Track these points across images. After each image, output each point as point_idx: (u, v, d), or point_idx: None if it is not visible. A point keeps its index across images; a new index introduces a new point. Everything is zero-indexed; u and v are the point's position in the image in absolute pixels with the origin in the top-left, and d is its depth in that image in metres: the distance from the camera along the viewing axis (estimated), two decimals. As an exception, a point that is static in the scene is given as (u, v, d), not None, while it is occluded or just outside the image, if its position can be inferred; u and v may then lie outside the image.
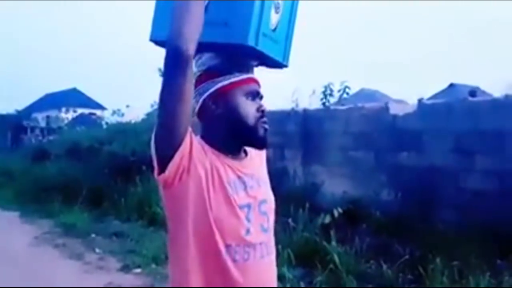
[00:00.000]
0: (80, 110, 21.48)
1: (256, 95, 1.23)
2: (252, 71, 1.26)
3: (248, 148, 1.29)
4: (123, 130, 9.15)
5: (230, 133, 1.21)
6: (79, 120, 17.03)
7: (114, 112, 12.99)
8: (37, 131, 16.01)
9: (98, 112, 19.88)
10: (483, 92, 9.94)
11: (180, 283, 1.20)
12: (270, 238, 1.26)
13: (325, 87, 6.19)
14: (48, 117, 17.90)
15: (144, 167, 7.01)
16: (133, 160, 7.39)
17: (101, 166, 7.94)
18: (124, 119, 11.80)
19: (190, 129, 1.15)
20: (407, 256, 3.78)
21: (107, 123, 12.13)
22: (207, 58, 1.22)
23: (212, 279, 1.16)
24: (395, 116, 5.02)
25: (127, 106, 12.96)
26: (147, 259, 4.74)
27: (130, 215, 6.45)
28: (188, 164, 1.13)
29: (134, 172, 7.03)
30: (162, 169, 1.14)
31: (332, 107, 6.01)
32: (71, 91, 32.18)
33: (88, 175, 7.82)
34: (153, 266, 4.60)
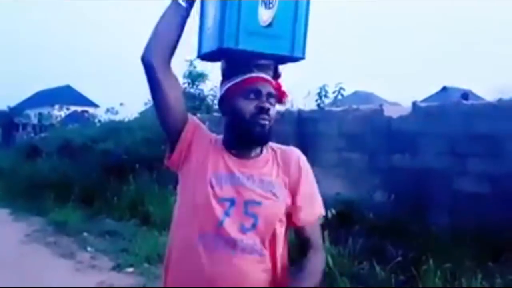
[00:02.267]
0: (73, 108, 21.32)
1: (256, 93, 1.26)
2: (265, 70, 1.27)
3: (274, 150, 1.34)
4: (116, 128, 9.10)
5: (231, 131, 1.31)
6: (72, 117, 16.91)
7: (108, 110, 12.92)
8: (29, 128, 15.91)
9: (91, 110, 19.74)
10: (475, 96, 10.02)
11: (165, 266, 1.34)
12: (253, 240, 1.24)
13: (320, 89, 6.20)
14: (40, 114, 17.77)
15: (137, 165, 6.98)
16: (126, 158, 7.36)
17: (94, 164, 7.90)
18: (118, 117, 11.74)
19: (192, 121, 1.32)
20: (400, 258, 3.79)
21: (100, 121, 12.06)
22: (221, 64, 1.33)
23: (185, 265, 1.25)
24: (389, 118, 5.04)
25: (121, 104, 12.90)
26: (139, 258, 4.71)
27: (122, 214, 6.42)
28: (187, 153, 1.30)
29: (127, 170, 7.00)
30: (170, 156, 1.33)
31: (326, 109, 6.02)
32: (64, 88, 31.98)
33: (80, 173, 7.77)
34: (146, 265, 4.58)
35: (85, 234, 5.79)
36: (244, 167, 1.29)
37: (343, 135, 5.46)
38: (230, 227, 1.22)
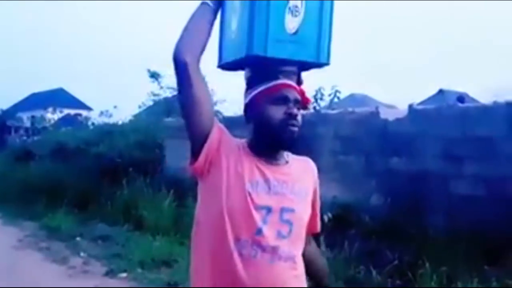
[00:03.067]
0: (66, 111, 21.22)
1: (284, 99, 1.28)
2: (289, 77, 1.30)
3: (294, 159, 1.37)
4: (110, 131, 9.05)
5: (259, 137, 1.31)
6: (65, 120, 16.81)
7: (102, 113, 12.86)
8: (22, 131, 15.79)
9: (84, 113, 19.65)
10: (471, 99, 10.07)
11: (196, 271, 1.31)
12: (288, 247, 1.26)
13: (316, 91, 6.20)
14: (33, 117, 17.63)
15: (130, 169, 6.92)
16: (119, 162, 7.30)
17: (87, 167, 7.84)
18: (112, 120, 11.69)
19: (218, 125, 1.30)
20: (396, 261, 3.78)
21: (93, 124, 11.99)
22: (245, 72, 1.36)
23: (220, 270, 1.24)
24: (385, 121, 5.03)
25: (115, 106, 12.84)
26: (133, 263, 4.67)
27: (116, 219, 6.35)
28: (215, 159, 1.27)
29: (121, 174, 6.93)
30: (193, 162, 1.29)
31: (322, 112, 6.00)
32: (57, 91, 31.80)
33: (73, 177, 7.71)
34: (139, 270, 4.53)
35: (78, 239, 5.74)
36: (278, 173, 1.30)
37: (339, 138, 5.44)
38: (268, 234, 1.23)
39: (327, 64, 1.35)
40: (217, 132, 1.29)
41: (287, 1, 1.29)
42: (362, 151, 5.18)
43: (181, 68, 1.24)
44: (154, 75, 10.41)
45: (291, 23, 1.29)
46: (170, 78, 10.57)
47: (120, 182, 6.83)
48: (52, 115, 16.74)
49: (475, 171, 4.27)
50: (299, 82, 1.34)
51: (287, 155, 1.36)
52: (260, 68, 1.30)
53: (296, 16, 1.29)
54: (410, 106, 4.92)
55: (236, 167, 1.27)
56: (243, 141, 1.34)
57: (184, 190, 5.73)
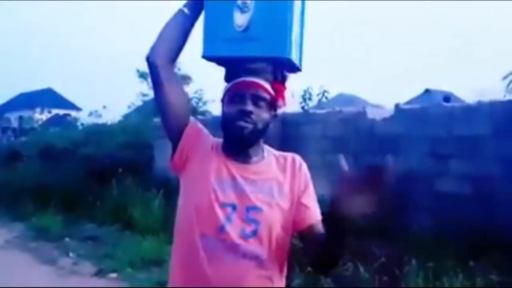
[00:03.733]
0: (54, 111, 21.02)
1: (240, 97, 1.26)
2: (257, 74, 1.26)
3: (275, 156, 1.36)
4: (98, 132, 9.00)
5: (223, 135, 1.33)
6: (54, 121, 16.65)
7: (91, 113, 12.76)
8: (9, 132, 15.60)
9: (73, 113, 19.49)
10: (457, 99, 10.20)
11: (171, 266, 1.35)
12: (254, 246, 1.24)
13: (304, 91, 6.23)
14: (21, 117, 17.45)
15: (120, 169, 6.89)
16: (108, 162, 7.27)
17: (76, 168, 7.78)
18: (101, 120, 11.60)
19: (194, 123, 1.34)
20: (383, 259, 3.83)
21: (82, 124, 11.90)
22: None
23: (188, 266, 1.26)
24: (372, 121, 5.09)
25: (104, 107, 12.75)
26: (123, 263, 4.66)
27: (105, 219, 6.32)
28: (189, 155, 1.31)
29: (110, 174, 6.90)
30: (172, 157, 1.34)
31: (311, 111, 6.05)
32: (45, 91, 31.46)
33: (62, 177, 7.65)
34: (129, 270, 4.52)
35: (66, 239, 5.70)
36: (247, 172, 1.29)
37: (327, 137, 5.50)
38: (232, 232, 1.23)
39: (287, 58, 1.29)
40: (192, 129, 1.33)
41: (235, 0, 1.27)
42: (350, 150, 5.24)
43: (153, 71, 1.29)
44: (143, 75, 10.37)
45: (240, 20, 1.27)
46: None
47: (109, 182, 6.80)
48: (40, 116, 16.59)
49: (461, 169, 4.35)
50: (279, 78, 1.30)
51: (266, 152, 1.35)
52: (228, 67, 1.32)
53: (245, 12, 1.27)
54: (397, 106, 5.00)
55: (205, 165, 1.29)
56: (220, 140, 1.35)
57: (174, 190, 5.71)
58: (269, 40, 1.27)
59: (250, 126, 1.25)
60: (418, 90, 21.17)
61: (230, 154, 1.31)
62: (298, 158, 1.40)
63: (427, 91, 19.87)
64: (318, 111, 5.93)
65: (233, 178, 1.28)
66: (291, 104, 6.55)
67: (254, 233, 1.24)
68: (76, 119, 13.91)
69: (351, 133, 5.27)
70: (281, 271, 1.33)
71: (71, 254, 5.13)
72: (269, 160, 1.35)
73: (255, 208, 1.26)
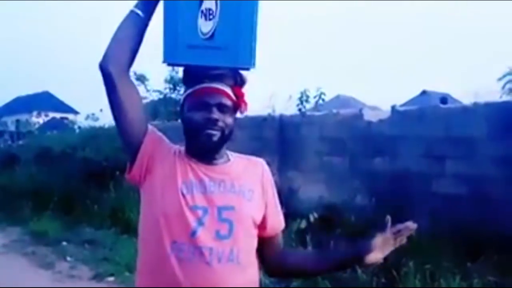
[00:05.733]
0: (52, 114, 20.97)
1: (205, 105, 1.24)
2: (220, 79, 1.25)
3: (240, 158, 1.34)
4: (96, 135, 8.97)
5: (187, 140, 1.31)
6: (51, 124, 16.61)
7: (88, 116, 12.72)
8: (6, 136, 15.54)
9: (70, 116, 19.44)
10: (454, 100, 10.24)
11: (139, 277, 1.29)
12: (230, 247, 1.21)
13: (301, 93, 6.23)
14: (18, 121, 17.39)
15: (117, 173, 6.88)
16: (106, 165, 7.25)
17: (73, 171, 7.76)
18: (98, 123, 11.57)
19: (152, 132, 1.29)
20: (381, 260, 3.83)
21: (79, 128, 11.87)
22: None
23: (158, 278, 1.21)
24: (369, 122, 5.10)
25: (101, 110, 12.71)
26: (120, 267, 4.65)
27: (103, 222, 6.32)
28: (150, 166, 1.26)
29: (107, 178, 6.89)
30: (130, 169, 1.29)
31: (308, 113, 6.06)
32: (42, 94, 31.46)
33: (59, 181, 7.63)
34: (127, 274, 4.51)
35: (64, 243, 5.69)
36: (214, 172, 1.27)
37: (324, 139, 5.51)
38: (205, 235, 1.19)
39: (247, 68, 1.26)
40: (151, 139, 1.27)
41: (199, 4, 1.21)
42: (347, 152, 5.25)
43: (106, 78, 1.22)
44: (140, 78, 10.37)
45: (205, 27, 1.22)
46: (155, 81, 10.55)
47: (107, 186, 6.79)
48: (37, 119, 16.54)
49: (457, 170, 4.37)
50: (239, 82, 1.28)
51: (231, 154, 1.34)
52: (187, 71, 1.28)
53: (210, 19, 1.21)
54: (393, 108, 5.01)
55: (170, 171, 1.24)
56: (181, 147, 1.32)
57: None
58: (234, 50, 1.23)
59: (218, 133, 1.24)
60: (415, 92, 21.26)
61: (195, 157, 1.27)
62: (263, 162, 1.39)
63: (424, 92, 19.95)
64: (315, 113, 5.94)
65: (201, 180, 1.24)
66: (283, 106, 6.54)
67: (230, 233, 1.22)
68: (73, 123, 13.88)
69: (348, 135, 5.28)
70: (256, 273, 1.30)
71: (68, 258, 5.12)
72: (235, 161, 1.33)
73: (227, 208, 1.23)
